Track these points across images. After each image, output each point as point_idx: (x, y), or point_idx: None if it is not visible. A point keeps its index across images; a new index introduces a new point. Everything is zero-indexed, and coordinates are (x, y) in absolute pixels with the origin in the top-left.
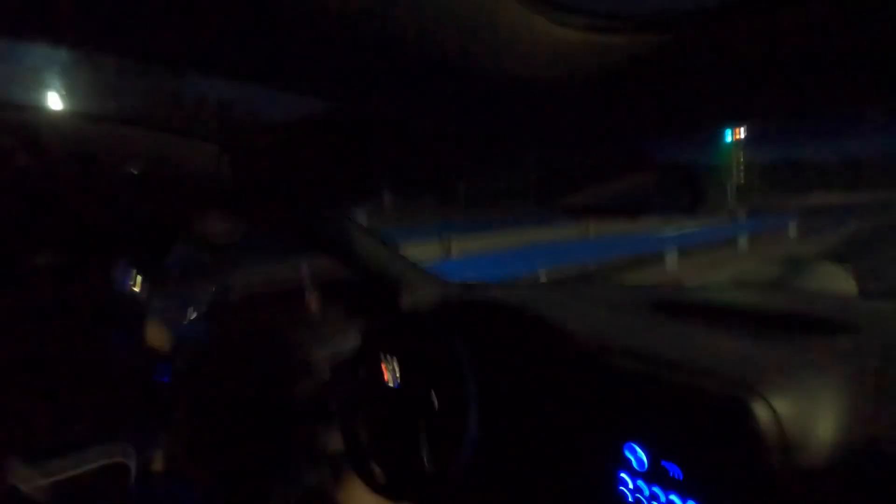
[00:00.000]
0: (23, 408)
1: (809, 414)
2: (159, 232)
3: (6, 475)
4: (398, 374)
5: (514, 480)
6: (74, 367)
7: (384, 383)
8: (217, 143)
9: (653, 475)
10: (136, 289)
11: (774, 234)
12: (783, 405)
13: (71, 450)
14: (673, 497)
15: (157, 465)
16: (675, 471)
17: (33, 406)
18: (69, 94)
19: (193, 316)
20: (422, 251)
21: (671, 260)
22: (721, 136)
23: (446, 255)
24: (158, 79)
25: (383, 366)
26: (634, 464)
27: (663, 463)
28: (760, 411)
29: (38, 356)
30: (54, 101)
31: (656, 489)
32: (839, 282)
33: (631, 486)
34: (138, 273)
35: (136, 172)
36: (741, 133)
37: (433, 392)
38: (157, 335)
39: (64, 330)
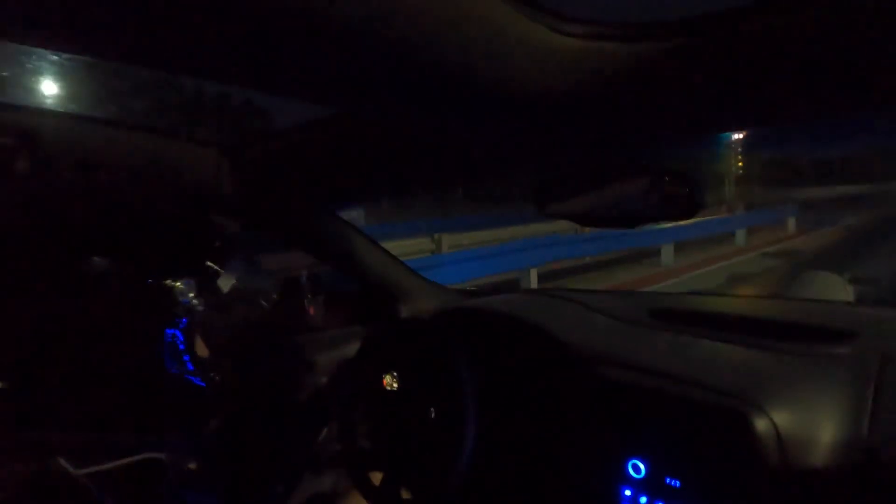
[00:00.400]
0: (69, 406)
1: (808, 424)
2: (171, 238)
3: (52, 466)
4: (396, 382)
5: (512, 493)
6: (120, 369)
7: (383, 391)
8: (217, 148)
9: (655, 489)
10: (195, 300)
11: (772, 227)
12: (782, 416)
13: (111, 445)
14: None
15: (192, 464)
16: (676, 485)
17: (78, 404)
18: (72, 98)
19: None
20: (413, 246)
21: (667, 254)
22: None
23: (437, 250)
24: (159, 83)
25: (382, 374)
26: (636, 478)
27: (665, 477)
28: (760, 423)
29: (86, 357)
30: (57, 104)
31: (658, 503)
32: (836, 289)
33: (633, 500)
34: (196, 284)
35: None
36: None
37: (431, 401)
38: (198, 343)
39: (111, 333)
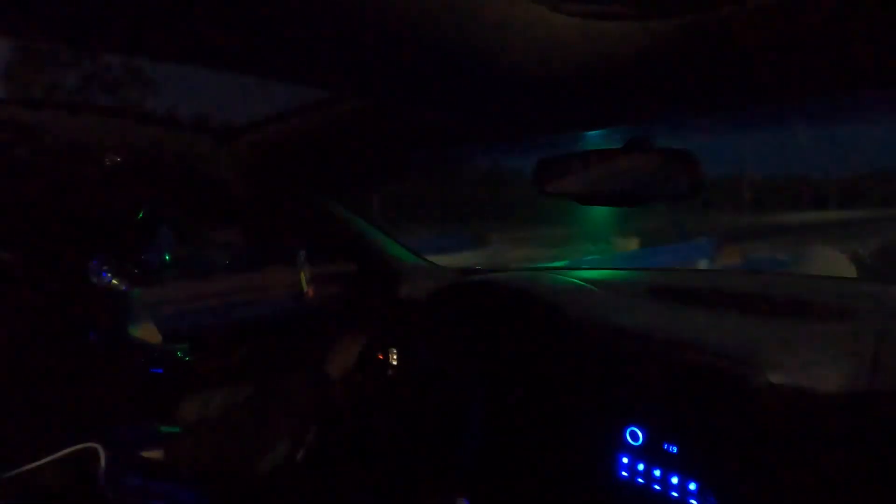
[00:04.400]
0: (4, 405)
1: (806, 389)
2: (148, 223)
3: None
4: (396, 360)
5: (514, 463)
6: (59, 363)
7: (384, 371)
8: (214, 134)
9: (652, 456)
10: (116, 282)
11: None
12: (780, 379)
13: (41, 442)
14: (673, 477)
15: (150, 456)
16: (674, 450)
17: (13, 404)
18: (65, 86)
19: (186, 306)
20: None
21: None
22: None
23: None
24: (156, 71)
25: (381, 351)
26: (634, 445)
27: (663, 443)
28: (757, 385)
29: (21, 353)
30: (48, 94)
31: (656, 470)
32: (839, 265)
33: (631, 467)
34: (118, 266)
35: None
36: None
37: (431, 377)
38: (147, 328)
39: (46, 326)
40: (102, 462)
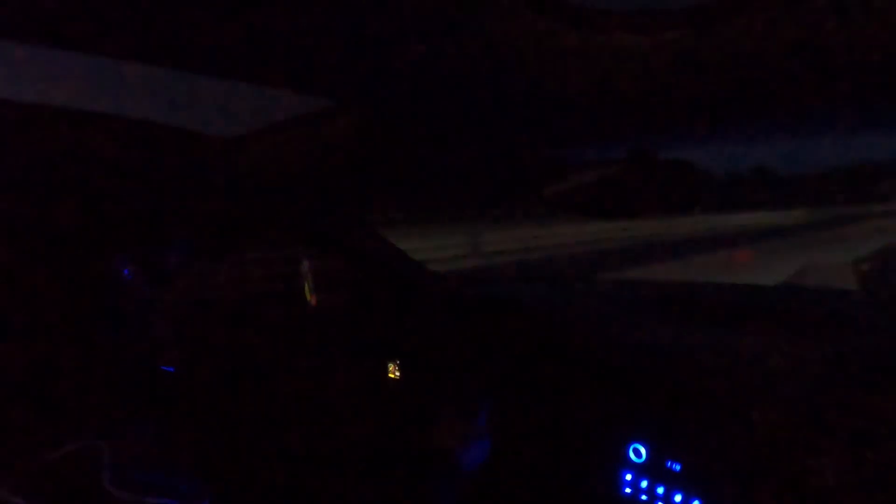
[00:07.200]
0: (17, 401)
1: (808, 408)
2: (162, 226)
3: None
4: (399, 371)
5: (517, 479)
6: (70, 360)
7: (389, 381)
8: (226, 140)
9: (655, 473)
10: (138, 281)
11: None
12: (784, 403)
13: (48, 439)
14: (676, 495)
15: (151, 450)
16: (677, 468)
17: (21, 399)
18: (70, 89)
19: (196, 308)
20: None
21: None
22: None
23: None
24: (161, 74)
25: (388, 364)
26: (637, 462)
27: (666, 461)
28: (762, 409)
29: (38, 351)
30: (52, 96)
31: (659, 487)
32: (843, 277)
33: (634, 484)
34: (140, 266)
35: (139, 167)
36: None
37: (435, 389)
38: (163, 327)
39: (65, 324)
40: (107, 458)
